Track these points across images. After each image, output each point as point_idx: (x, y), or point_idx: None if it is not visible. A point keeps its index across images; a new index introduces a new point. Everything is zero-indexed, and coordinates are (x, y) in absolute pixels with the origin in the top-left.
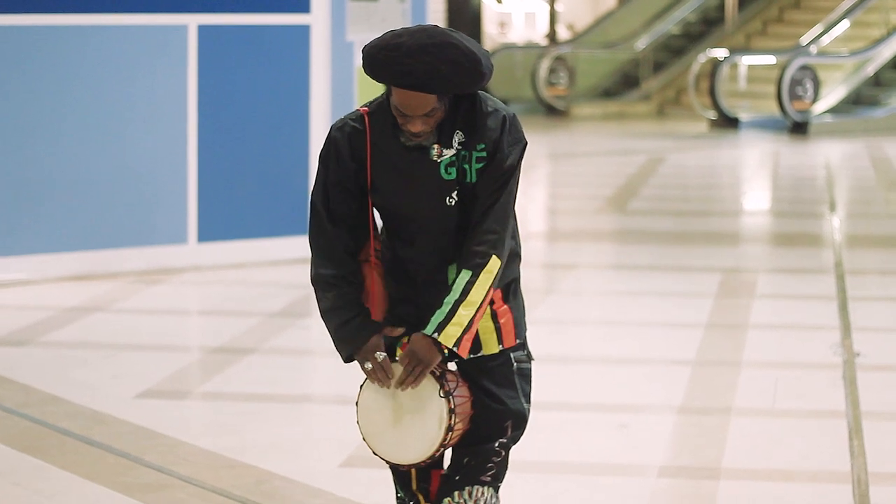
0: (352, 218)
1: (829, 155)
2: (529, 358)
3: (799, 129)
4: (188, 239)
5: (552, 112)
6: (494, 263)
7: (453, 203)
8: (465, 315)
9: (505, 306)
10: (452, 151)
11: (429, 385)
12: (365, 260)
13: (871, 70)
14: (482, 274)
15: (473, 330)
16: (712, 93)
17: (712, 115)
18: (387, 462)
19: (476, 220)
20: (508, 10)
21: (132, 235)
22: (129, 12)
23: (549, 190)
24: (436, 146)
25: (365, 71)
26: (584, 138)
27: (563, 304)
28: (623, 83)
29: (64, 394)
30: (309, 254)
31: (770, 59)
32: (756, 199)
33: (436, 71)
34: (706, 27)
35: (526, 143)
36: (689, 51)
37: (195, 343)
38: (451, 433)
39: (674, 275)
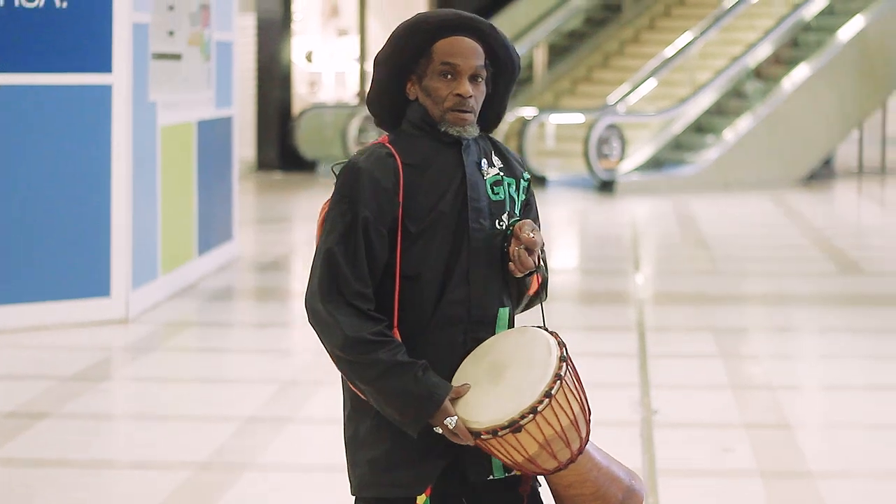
0: (379, 271)
1: (636, 213)
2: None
3: (606, 187)
4: None
5: None
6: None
7: (503, 227)
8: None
9: None
10: (496, 170)
11: (530, 332)
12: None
13: (678, 128)
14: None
15: (535, 284)
16: (521, 151)
17: None
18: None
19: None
20: (319, 69)
21: None
22: None
23: None
24: (484, 160)
25: (404, 37)
26: None
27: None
28: None
29: None
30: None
31: (578, 118)
32: (562, 258)
33: (489, 25)
34: (515, 86)
35: None
36: None
37: None
38: (562, 378)
39: None
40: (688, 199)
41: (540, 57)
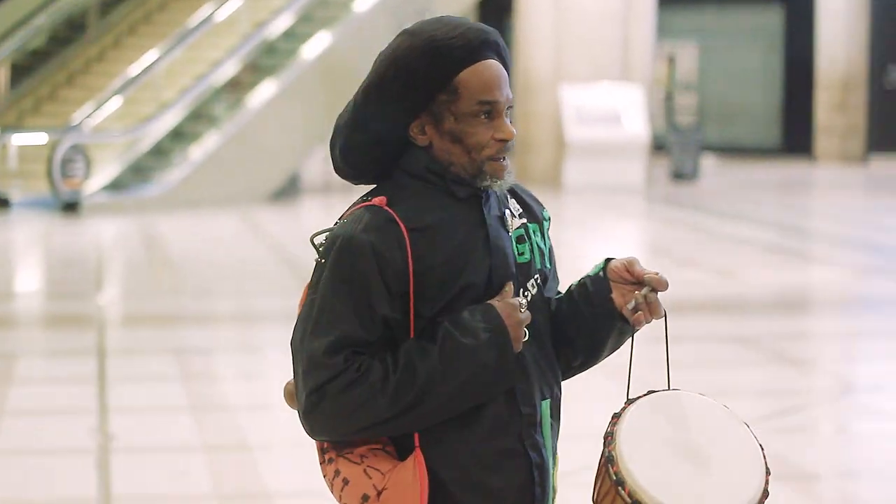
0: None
1: (102, 234)
2: None
3: (71, 208)
4: None
5: None
6: None
7: (530, 298)
8: None
9: None
10: (519, 222)
11: (723, 416)
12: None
13: (144, 147)
14: None
15: None
16: None
17: None
18: None
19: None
20: None
21: None
22: None
23: None
24: (506, 210)
25: (417, 66)
26: None
27: None
28: None
29: None
30: None
31: (42, 138)
32: (22, 281)
33: (498, 33)
34: None
35: None
36: None
37: None
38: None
39: None
40: (156, 218)
41: (2, 76)
